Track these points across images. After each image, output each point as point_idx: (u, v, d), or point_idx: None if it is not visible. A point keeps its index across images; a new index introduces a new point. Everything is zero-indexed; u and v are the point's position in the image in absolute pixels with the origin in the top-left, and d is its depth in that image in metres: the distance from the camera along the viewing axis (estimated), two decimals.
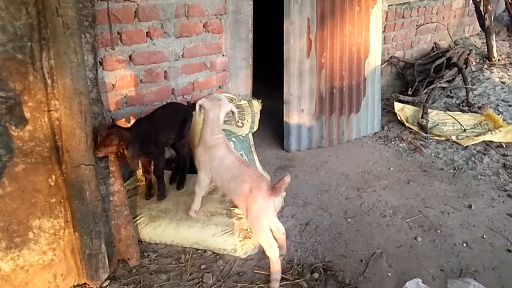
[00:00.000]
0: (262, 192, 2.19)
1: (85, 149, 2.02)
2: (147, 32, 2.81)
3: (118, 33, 2.67)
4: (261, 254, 2.55)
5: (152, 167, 2.76)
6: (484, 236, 2.81)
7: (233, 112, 2.56)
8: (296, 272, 2.43)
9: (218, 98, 2.52)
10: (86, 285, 2.27)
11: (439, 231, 2.85)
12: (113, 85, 2.76)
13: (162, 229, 2.60)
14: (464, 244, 2.73)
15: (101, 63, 2.64)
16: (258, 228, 2.23)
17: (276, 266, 2.26)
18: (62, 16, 1.86)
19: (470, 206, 3.14)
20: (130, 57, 2.78)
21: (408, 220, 2.96)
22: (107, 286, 2.27)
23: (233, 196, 2.39)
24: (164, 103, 3.09)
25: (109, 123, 2.46)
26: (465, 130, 4.27)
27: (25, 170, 2.03)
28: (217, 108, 2.49)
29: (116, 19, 2.62)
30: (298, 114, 3.89)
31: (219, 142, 2.48)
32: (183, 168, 2.96)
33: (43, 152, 2.08)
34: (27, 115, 2.00)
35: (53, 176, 2.12)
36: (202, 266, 2.44)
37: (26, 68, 1.96)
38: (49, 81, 2.03)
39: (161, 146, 2.71)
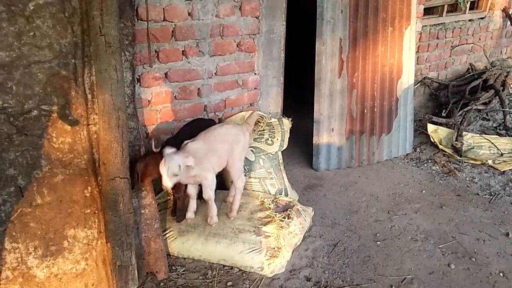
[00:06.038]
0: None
1: (121, 162, 2.08)
2: (183, 51, 2.90)
3: (155, 51, 2.77)
4: (288, 273, 2.53)
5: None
6: None
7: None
8: None
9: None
10: None
11: (473, 259, 2.74)
12: (149, 101, 2.85)
13: (190, 243, 2.62)
14: (501, 274, 2.61)
15: (138, 80, 2.73)
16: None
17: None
18: (105, 35, 1.95)
19: (507, 234, 3.01)
20: (166, 74, 2.87)
21: (440, 246, 2.87)
22: None
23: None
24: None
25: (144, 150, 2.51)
26: (502, 155, 4.13)
27: (64, 181, 2.12)
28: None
29: (155, 38, 2.72)
30: (328, 133, 3.87)
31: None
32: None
33: (81, 164, 2.16)
34: (68, 128, 2.10)
35: (89, 188, 2.20)
36: (229, 283, 2.44)
37: (69, 83, 2.06)
38: (89, 96, 2.12)
39: None
